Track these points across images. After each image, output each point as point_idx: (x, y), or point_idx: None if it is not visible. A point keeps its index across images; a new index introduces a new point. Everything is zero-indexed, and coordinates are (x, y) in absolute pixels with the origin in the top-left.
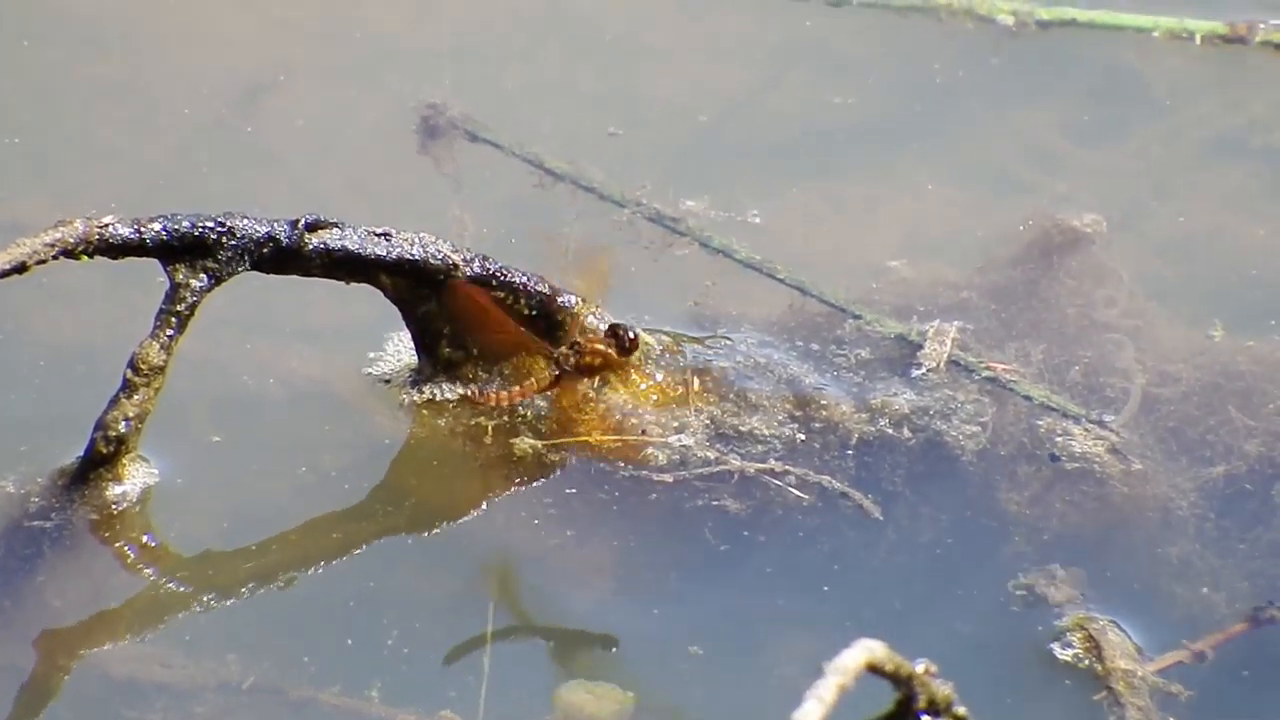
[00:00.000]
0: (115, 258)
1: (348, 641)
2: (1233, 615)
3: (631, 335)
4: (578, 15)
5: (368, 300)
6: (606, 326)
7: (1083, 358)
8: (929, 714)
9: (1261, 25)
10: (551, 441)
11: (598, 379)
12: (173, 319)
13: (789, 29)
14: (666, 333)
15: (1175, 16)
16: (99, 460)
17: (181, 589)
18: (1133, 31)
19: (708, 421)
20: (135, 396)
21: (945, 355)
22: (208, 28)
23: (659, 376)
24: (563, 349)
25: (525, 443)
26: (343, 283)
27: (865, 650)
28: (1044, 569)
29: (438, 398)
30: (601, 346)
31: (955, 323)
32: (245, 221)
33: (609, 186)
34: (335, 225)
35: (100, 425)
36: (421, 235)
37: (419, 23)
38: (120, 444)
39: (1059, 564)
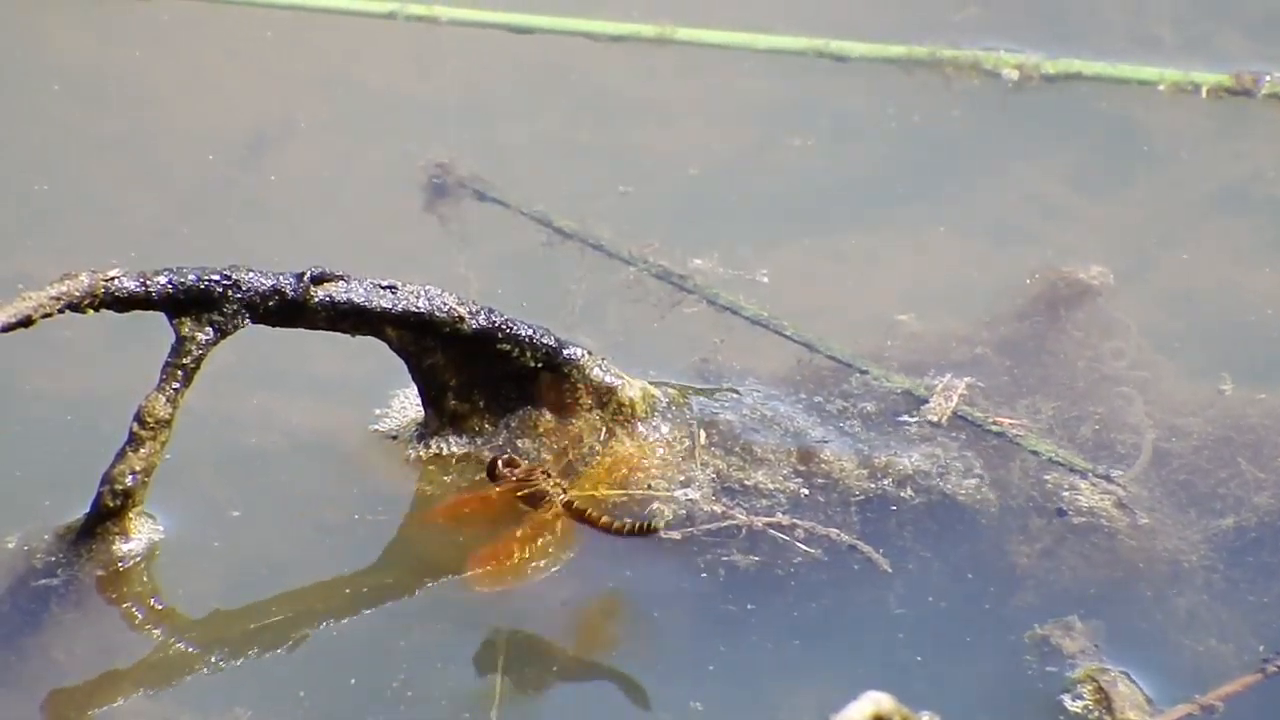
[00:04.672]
0: (120, 311)
1: (351, 681)
2: (1242, 667)
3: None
4: (582, 73)
5: (373, 355)
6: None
7: (1093, 413)
8: None
9: (1267, 77)
10: None
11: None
12: (178, 372)
13: (793, 85)
14: (673, 385)
15: (1181, 69)
16: (106, 514)
17: (188, 645)
18: (1138, 84)
19: (713, 476)
20: (141, 450)
21: (950, 410)
22: (212, 83)
23: (665, 430)
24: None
25: None
26: (348, 335)
27: (872, 702)
28: (1061, 620)
29: (444, 452)
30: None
31: (965, 378)
32: (251, 275)
33: (616, 244)
34: (340, 278)
35: (107, 479)
36: (428, 288)
37: (423, 79)
38: (127, 498)
39: (1077, 616)
